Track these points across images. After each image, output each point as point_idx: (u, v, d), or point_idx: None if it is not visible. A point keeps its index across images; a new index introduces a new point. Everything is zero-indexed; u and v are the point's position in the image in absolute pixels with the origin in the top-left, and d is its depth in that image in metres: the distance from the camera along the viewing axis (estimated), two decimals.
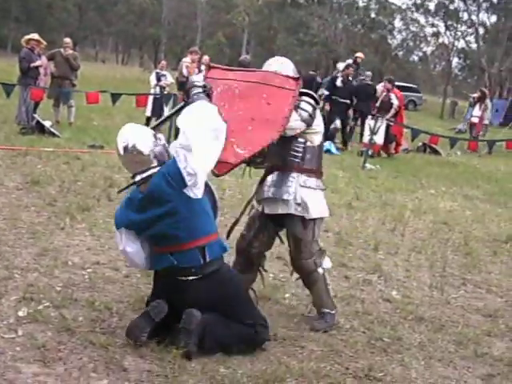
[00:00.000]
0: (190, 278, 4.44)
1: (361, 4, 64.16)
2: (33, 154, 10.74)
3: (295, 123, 4.90)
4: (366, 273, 6.70)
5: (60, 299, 5.02)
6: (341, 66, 21.46)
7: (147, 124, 16.64)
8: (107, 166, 10.52)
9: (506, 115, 38.25)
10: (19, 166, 9.84)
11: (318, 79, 21.41)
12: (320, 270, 5.14)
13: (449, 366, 4.77)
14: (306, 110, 4.97)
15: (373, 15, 63.89)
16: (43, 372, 3.94)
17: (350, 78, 18.30)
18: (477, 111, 21.51)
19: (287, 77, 5.03)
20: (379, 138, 16.46)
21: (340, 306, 5.62)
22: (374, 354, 4.79)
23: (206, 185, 4.57)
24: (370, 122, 16.49)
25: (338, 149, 16.65)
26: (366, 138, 16.79)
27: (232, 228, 5.36)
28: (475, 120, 21.39)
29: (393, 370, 4.56)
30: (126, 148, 4.39)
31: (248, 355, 4.46)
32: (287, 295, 5.76)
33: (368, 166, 14.25)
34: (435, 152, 18.71)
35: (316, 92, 19.71)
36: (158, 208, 4.36)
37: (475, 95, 22.60)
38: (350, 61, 21.84)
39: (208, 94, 4.74)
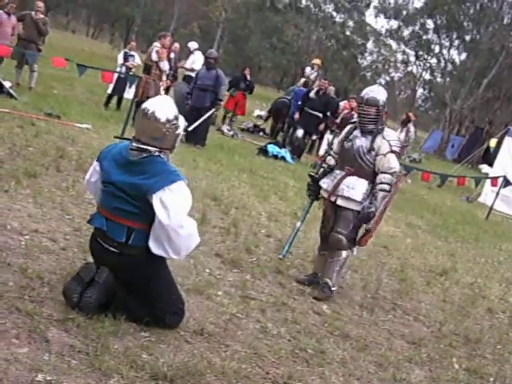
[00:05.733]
0: (111, 248, 4.65)
1: (338, 20, 64.73)
2: None
3: (397, 165, 6.48)
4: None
5: None
6: (308, 70, 21.63)
7: (108, 101, 16.56)
8: (61, 137, 10.40)
9: (460, 152, 38.93)
10: None
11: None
12: (346, 253, 6.63)
13: None
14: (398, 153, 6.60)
15: (348, 33, 64.47)
16: None
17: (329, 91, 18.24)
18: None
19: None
20: None
21: (270, 311, 5.67)
22: (296, 363, 4.83)
23: None
24: (328, 136, 16.62)
25: (292, 158, 16.54)
26: (322, 152, 16.90)
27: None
28: None
29: (312, 382, 4.60)
30: (146, 113, 4.62)
31: (172, 345, 4.48)
32: (220, 293, 5.76)
33: None
34: None
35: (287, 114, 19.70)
36: (140, 178, 4.54)
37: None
38: (308, 68, 21.95)
39: None
